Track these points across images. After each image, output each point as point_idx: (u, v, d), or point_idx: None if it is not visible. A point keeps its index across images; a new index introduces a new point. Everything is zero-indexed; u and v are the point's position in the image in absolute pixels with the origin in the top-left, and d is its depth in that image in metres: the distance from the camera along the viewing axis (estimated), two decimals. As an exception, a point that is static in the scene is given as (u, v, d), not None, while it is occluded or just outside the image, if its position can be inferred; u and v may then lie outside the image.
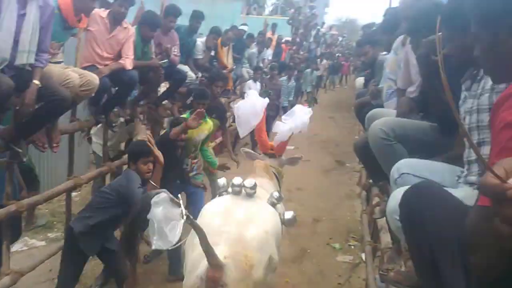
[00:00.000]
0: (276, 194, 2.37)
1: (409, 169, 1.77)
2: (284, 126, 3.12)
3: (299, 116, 3.19)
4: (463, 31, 1.58)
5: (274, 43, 10.35)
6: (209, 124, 4.07)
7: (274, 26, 11.31)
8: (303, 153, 7.16)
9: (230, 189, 2.23)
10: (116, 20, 3.65)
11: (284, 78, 8.13)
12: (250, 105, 3.11)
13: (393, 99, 2.92)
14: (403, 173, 1.77)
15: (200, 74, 5.43)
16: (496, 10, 1.05)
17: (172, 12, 4.72)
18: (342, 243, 4.19)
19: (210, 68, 5.68)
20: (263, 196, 2.32)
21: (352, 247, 4.07)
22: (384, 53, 3.72)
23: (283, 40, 11.60)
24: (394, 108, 2.75)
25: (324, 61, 15.97)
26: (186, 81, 5.04)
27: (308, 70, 12.00)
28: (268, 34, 10.37)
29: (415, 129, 2.16)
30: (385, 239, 2.29)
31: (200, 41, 5.68)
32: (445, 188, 1.36)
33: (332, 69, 17.74)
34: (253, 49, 8.23)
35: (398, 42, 2.97)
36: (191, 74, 5.22)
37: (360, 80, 5.28)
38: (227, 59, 6.51)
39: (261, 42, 8.66)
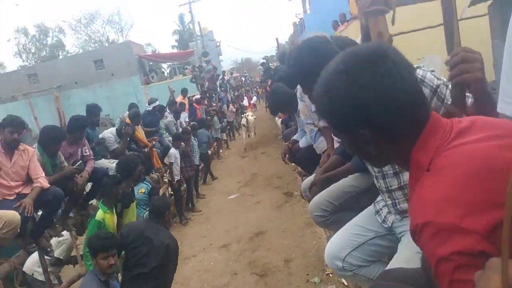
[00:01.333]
0: (254, 116, 13.90)
1: (344, 250, 1.72)
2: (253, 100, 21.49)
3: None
4: None
5: (187, 106, 10.60)
6: None
7: (185, 91, 11.55)
8: (249, 197, 7.27)
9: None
10: (10, 147, 3.44)
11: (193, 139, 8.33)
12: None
13: (320, 138, 3.05)
14: (344, 258, 1.71)
15: None
16: (342, 124, 0.95)
17: (79, 127, 4.44)
18: (320, 274, 4.13)
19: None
20: (251, 115, 13.33)
21: (330, 275, 4.03)
22: None
23: (193, 99, 11.89)
24: (323, 147, 2.96)
25: (231, 107, 16.43)
26: (111, 173, 4.87)
27: (215, 118, 12.39)
28: (179, 99, 10.58)
29: (345, 187, 2.18)
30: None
31: (110, 132, 5.55)
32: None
33: (242, 111, 18.42)
34: (168, 117, 8.26)
35: (300, 90, 3.12)
36: (112, 166, 5.04)
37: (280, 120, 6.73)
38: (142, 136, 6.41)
39: (174, 110, 8.76)
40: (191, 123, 9.47)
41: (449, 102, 1.34)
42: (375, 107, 0.87)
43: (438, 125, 0.91)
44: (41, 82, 23.32)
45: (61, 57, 34.49)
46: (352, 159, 2.20)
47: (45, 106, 19.60)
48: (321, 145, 3.07)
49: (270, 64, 16.09)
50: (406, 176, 1.53)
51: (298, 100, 3.21)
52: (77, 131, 4.37)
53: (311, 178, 2.75)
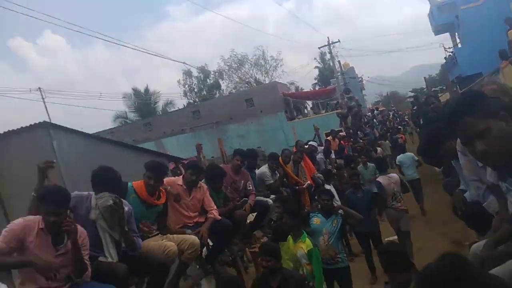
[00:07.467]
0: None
1: None
2: None
3: None
4: None
5: (336, 147, 10.53)
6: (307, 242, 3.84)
7: (334, 132, 11.62)
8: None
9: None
10: (190, 185, 3.95)
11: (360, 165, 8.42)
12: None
13: (491, 197, 2.61)
14: None
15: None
16: None
17: (238, 152, 5.17)
18: None
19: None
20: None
21: None
22: None
23: (339, 136, 11.74)
24: (494, 208, 2.52)
25: (379, 149, 13.76)
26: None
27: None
28: (329, 138, 10.61)
29: None
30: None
31: (265, 167, 5.87)
32: None
33: (395, 150, 15.18)
34: (318, 154, 8.29)
35: (460, 145, 2.63)
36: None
37: None
38: (298, 174, 6.46)
39: (324, 150, 8.85)
40: (337, 160, 9.27)
41: None
42: None
43: None
44: (202, 117, 26.58)
45: (217, 95, 38.91)
46: None
47: (206, 137, 22.27)
48: (492, 205, 2.58)
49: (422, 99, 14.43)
50: None
51: (459, 153, 2.73)
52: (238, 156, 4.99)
53: (480, 245, 2.25)
